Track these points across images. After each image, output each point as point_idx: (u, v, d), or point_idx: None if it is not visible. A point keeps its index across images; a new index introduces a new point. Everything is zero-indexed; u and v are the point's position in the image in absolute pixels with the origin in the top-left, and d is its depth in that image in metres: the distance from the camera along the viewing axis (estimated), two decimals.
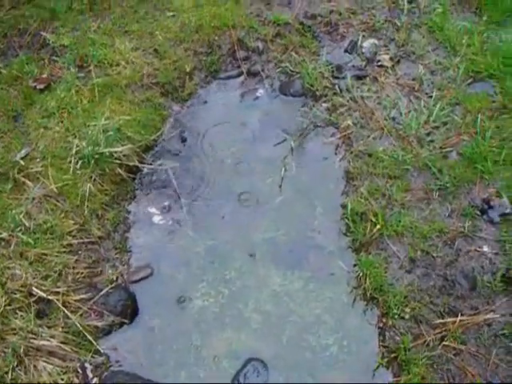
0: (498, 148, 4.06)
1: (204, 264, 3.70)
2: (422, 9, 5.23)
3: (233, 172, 4.18)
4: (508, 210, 3.79)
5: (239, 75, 4.85)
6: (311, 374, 3.27)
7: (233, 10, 5.16)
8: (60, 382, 3.08)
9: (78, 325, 3.30)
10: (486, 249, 3.67)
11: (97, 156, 3.92)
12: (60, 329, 3.26)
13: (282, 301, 3.53)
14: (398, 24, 5.10)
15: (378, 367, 3.30)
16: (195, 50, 4.93)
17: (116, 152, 3.99)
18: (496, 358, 3.27)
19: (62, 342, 3.22)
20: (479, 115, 4.26)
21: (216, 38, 5.00)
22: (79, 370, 3.14)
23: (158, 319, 3.47)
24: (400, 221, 3.71)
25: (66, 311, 3.33)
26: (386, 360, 3.31)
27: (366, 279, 3.53)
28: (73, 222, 3.71)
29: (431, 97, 4.43)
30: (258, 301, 3.53)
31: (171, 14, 5.21)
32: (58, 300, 3.35)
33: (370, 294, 3.52)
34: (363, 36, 5.03)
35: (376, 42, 4.95)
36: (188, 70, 4.77)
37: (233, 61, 4.95)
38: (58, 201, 3.77)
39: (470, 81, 4.58)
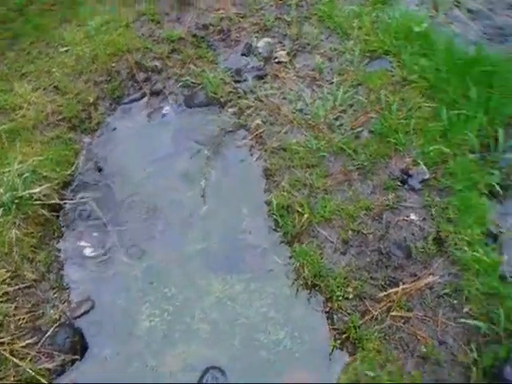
0: (405, 119, 4.32)
1: (143, 286, 3.80)
2: (308, 1, 5.51)
3: (153, 192, 4.28)
4: (427, 176, 4.05)
5: (143, 97, 4.99)
6: (269, 370, 3.40)
7: (125, 34, 5.31)
8: None
9: (30, 371, 3.34)
10: (413, 217, 3.90)
11: (17, 201, 3.97)
12: (12, 378, 3.29)
13: (227, 306, 3.66)
14: (289, 19, 5.35)
15: (332, 350, 3.46)
16: (95, 80, 5.04)
17: (35, 193, 4.04)
18: (443, 318, 3.49)
19: None
20: (382, 91, 4.52)
21: (113, 64, 5.13)
22: None
23: (109, 348, 3.54)
24: (326, 206, 3.90)
25: (15, 359, 3.36)
26: (339, 342, 3.47)
27: (303, 269, 3.70)
28: (5, 270, 3.74)
29: (333, 83, 4.68)
30: (204, 311, 3.64)
31: (65, 49, 5.31)
32: (4, 350, 3.38)
33: (311, 281, 3.68)
34: (256, 37, 5.26)
35: (270, 40, 5.19)
36: (91, 100, 4.88)
37: (134, 84, 5.09)
38: None
39: (367, 61, 4.86)
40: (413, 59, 4.69)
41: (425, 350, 3.38)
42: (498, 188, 4.03)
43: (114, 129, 4.73)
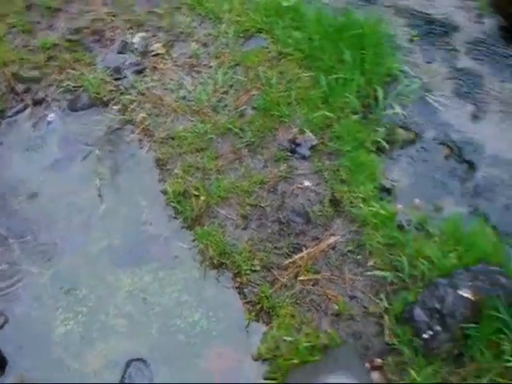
0: (286, 91, 4.51)
1: (54, 292, 3.80)
2: None
3: (50, 199, 4.29)
4: (315, 142, 4.24)
5: (26, 108, 4.97)
6: (189, 353, 3.50)
7: None
8: None
9: None
10: (307, 183, 4.08)
11: None
12: None
13: (139, 297, 3.73)
14: (160, 12, 5.45)
15: (249, 323, 3.58)
16: None
17: None
18: (350, 274, 3.69)
19: None
20: (260, 68, 4.69)
21: None
22: None
23: (29, 359, 3.54)
24: (220, 186, 4.01)
25: None
26: (253, 314, 3.59)
27: (208, 249, 3.81)
28: None
29: (211, 67, 4.81)
30: (117, 306, 3.70)
31: None
32: None
33: (217, 260, 3.79)
34: (131, 33, 5.33)
35: (144, 34, 5.28)
36: None
37: (15, 96, 5.05)
38: None
39: (242, 41, 5.02)
40: (286, 33, 4.87)
41: (337, 307, 3.54)
42: (384, 143, 4.28)
43: (1, 143, 4.70)
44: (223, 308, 3.67)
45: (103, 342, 3.57)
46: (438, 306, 3.40)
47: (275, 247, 3.82)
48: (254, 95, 4.54)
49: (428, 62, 5.09)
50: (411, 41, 5.22)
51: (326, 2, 5.39)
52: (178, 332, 3.59)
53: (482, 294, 3.39)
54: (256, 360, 3.44)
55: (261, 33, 5.02)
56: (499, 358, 3.27)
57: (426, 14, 5.52)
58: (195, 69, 4.83)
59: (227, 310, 3.65)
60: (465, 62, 5.12)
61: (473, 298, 3.37)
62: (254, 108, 4.49)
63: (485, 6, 5.53)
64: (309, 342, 3.40)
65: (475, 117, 4.66)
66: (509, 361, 3.22)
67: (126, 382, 3.38)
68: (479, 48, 5.26)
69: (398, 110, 4.56)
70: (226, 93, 4.59)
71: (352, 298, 3.61)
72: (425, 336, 3.35)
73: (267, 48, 4.89)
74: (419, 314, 3.42)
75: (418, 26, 5.43)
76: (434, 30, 5.38)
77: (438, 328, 3.34)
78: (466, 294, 3.39)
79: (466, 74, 5.01)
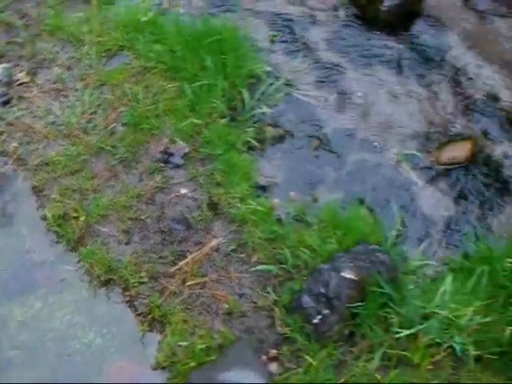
0: (153, 104, 4.65)
1: None
2: (35, 19, 5.67)
3: None
4: (187, 150, 4.40)
5: None
6: (89, 373, 3.58)
7: None
8: None
9: None
10: (184, 191, 4.22)
11: None
12: None
13: (32, 326, 3.75)
14: (20, 41, 5.45)
15: (143, 334, 3.69)
16: None
17: None
18: (236, 273, 3.86)
19: None
20: (125, 85, 4.79)
21: None
22: None
23: None
24: (98, 205, 4.11)
25: None
26: (146, 325, 3.69)
27: (94, 268, 3.89)
28: None
29: (77, 89, 4.90)
30: (11, 338, 3.71)
31: None
32: None
33: (105, 277, 3.85)
34: None
35: (6, 65, 5.28)
36: None
37: None
38: None
39: (105, 60, 5.09)
40: (147, 47, 4.99)
41: (227, 306, 3.69)
42: (254, 143, 4.48)
43: None
44: (116, 323, 3.74)
45: (3, 377, 3.57)
46: (323, 290, 3.57)
47: (160, 257, 3.93)
48: (122, 112, 4.63)
49: (290, 60, 5.31)
50: (272, 41, 5.46)
51: (184, 11, 5.50)
52: (75, 354, 3.64)
53: (363, 273, 3.59)
54: (155, 369, 3.54)
55: (123, 50, 5.12)
56: (388, 331, 3.52)
57: (284, 13, 5.75)
58: (62, 93, 4.88)
59: (120, 325, 3.73)
60: (325, 54, 5.41)
61: (356, 278, 3.57)
62: (123, 124, 4.58)
63: None
64: (204, 343, 3.52)
65: (340, 106, 4.91)
66: (398, 332, 3.45)
67: None
68: (338, 40, 5.54)
69: (265, 109, 4.76)
70: (94, 113, 4.67)
71: (241, 295, 3.77)
72: (315, 321, 3.51)
73: (130, 64, 4.99)
74: (307, 301, 3.58)
75: (277, 26, 5.66)
76: (293, 28, 5.62)
77: (327, 311, 3.52)
78: (348, 275, 3.58)
79: (328, 66, 5.29)
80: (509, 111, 5.05)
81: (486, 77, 5.39)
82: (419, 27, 5.84)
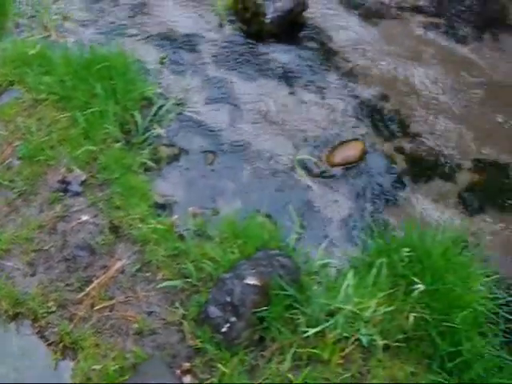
0: (47, 135, 4.71)
1: None
2: None
3: None
4: (84, 177, 4.49)
5: None
6: None
7: None
8: None
9: None
10: (85, 217, 4.30)
11: None
12: None
13: None
14: None
15: (57, 363, 3.73)
16: None
17: None
18: (143, 291, 3.96)
19: None
20: (18, 119, 4.84)
21: None
22: None
23: None
24: (0, 240, 4.14)
25: None
26: (59, 353, 3.74)
27: (1, 303, 3.89)
28: None
29: None
30: None
31: None
32: None
33: (13, 311, 3.90)
34: None
35: None
36: None
37: None
38: None
39: None
40: (37, 80, 5.04)
41: (137, 325, 3.77)
42: (150, 163, 4.62)
43: None
44: (29, 356, 3.77)
45: None
46: (228, 299, 3.68)
47: (67, 284, 3.98)
48: (17, 146, 4.67)
49: (180, 79, 5.47)
50: (161, 63, 5.61)
51: (72, 41, 5.61)
52: None
53: (266, 278, 3.73)
54: None
55: (13, 85, 5.16)
56: (296, 331, 3.68)
57: (171, 34, 6.00)
58: None
59: (33, 357, 3.77)
60: (214, 70, 5.59)
61: (259, 284, 3.71)
62: (19, 158, 4.61)
63: (223, 14, 6.01)
64: (117, 364, 3.60)
65: (232, 120, 5.12)
66: (305, 331, 3.61)
67: None
68: (225, 55, 5.75)
69: (158, 129, 4.90)
70: None
71: (150, 313, 3.87)
72: (223, 330, 3.62)
73: (22, 98, 5.03)
74: (213, 311, 3.69)
75: (165, 47, 5.82)
76: (181, 48, 5.79)
77: (234, 319, 3.63)
78: (251, 281, 3.71)
79: (217, 81, 5.47)
80: (397, 109, 5.28)
81: (374, 76, 5.69)
82: (303, 36, 6.07)
